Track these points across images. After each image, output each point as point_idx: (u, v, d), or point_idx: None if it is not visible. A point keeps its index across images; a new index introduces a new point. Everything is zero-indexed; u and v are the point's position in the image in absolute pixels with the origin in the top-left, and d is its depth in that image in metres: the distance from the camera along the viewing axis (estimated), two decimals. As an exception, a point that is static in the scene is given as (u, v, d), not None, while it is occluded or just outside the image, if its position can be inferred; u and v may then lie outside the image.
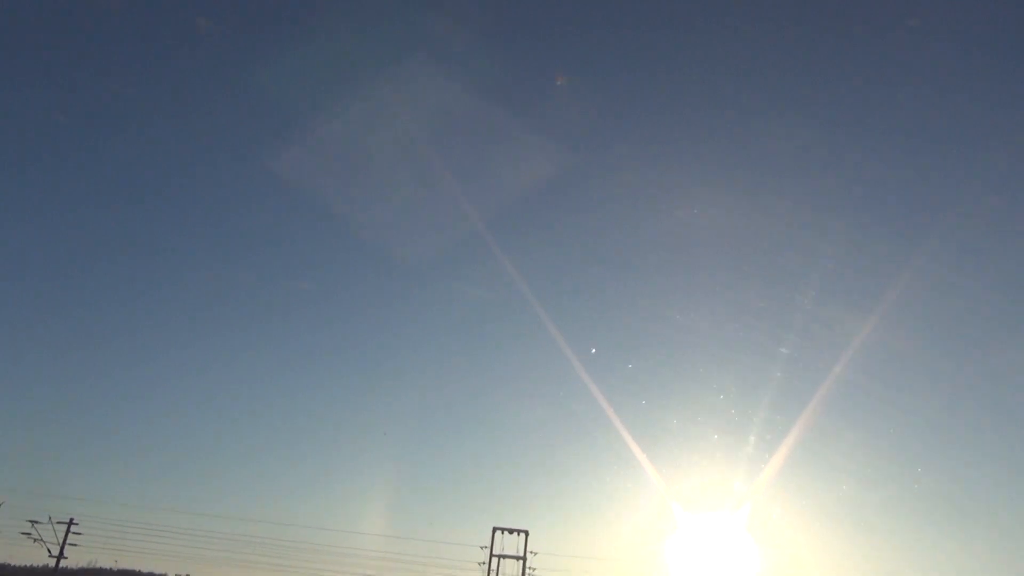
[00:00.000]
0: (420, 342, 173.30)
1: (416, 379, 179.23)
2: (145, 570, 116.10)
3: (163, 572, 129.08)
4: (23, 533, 51.73)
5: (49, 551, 52.83)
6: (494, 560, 42.23)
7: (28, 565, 78.51)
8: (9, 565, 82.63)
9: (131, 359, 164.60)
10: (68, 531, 53.37)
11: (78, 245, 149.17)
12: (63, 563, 55.11)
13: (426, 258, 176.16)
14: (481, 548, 43.29)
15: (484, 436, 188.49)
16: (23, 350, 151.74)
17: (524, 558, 42.02)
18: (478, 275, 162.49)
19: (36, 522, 52.04)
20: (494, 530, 43.01)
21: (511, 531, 42.29)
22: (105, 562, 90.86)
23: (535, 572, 48.99)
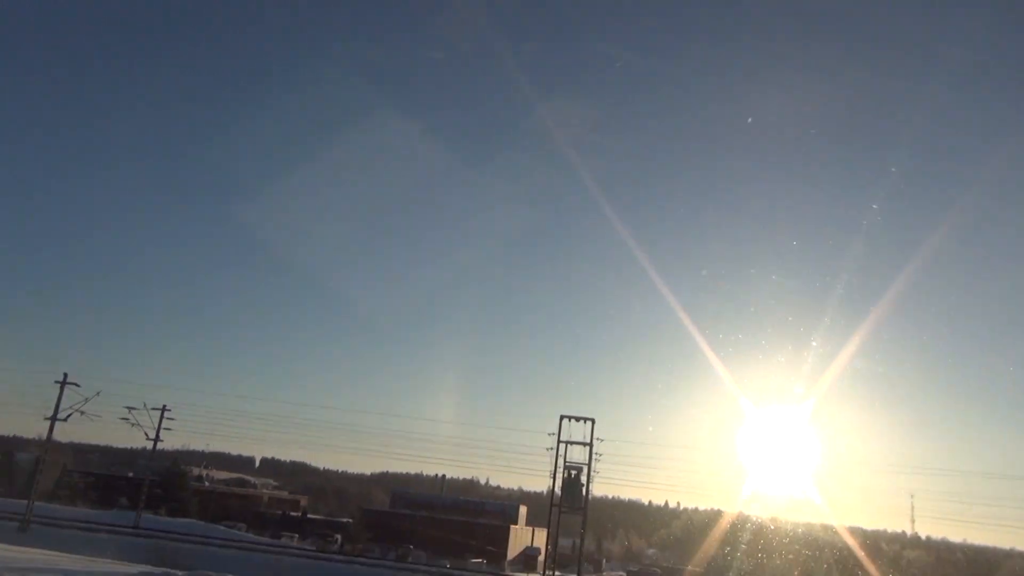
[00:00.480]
0: (489, 234, 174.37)
1: (485, 271, 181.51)
2: (234, 452, 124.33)
3: (250, 455, 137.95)
4: (121, 419, 55.29)
5: (146, 434, 56.54)
6: (561, 446, 43.35)
7: (128, 447, 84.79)
8: (113, 447, 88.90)
9: (213, 262, 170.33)
10: (162, 416, 56.69)
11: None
12: (159, 446, 59.09)
13: (497, 152, 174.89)
14: (549, 435, 44.52)
15: (552, 328, 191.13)
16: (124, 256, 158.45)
17: (591, 444, 42.93)
18: (543, 166, 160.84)
19: (133, 408, 55.47)
20: (561, 418, 43.77)
21: (578, 419, 43.14)
22: (197, 445, 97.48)
23: (601, 457, 50.36)
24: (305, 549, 55.69)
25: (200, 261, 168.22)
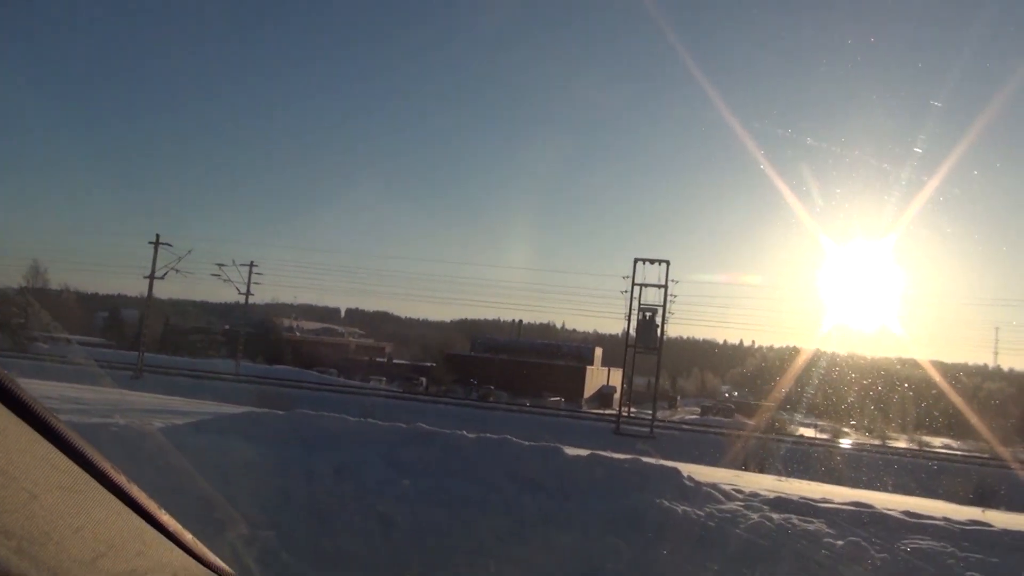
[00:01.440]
0: (558, 78, 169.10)
1: (556, 115, 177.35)
2: (320, 304, 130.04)
3: (336, 306, 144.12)
4: (212, 275, 58.09)
5: (237, 289, 59.51)
6: (636, 289, 43.63)
7: (223, 302, 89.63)
8: (208, 302, 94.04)
9: (291, 122, 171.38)
10: (251, 272, 59.43)
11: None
12: (250, 300, 62.34)
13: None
14: (623, 278, 44.80)
15: (625, 170, 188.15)
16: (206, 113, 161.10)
17: (665, 286, 42.92)
18: (615, 10, 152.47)
19: (222, 264, 58.07)
20: (635, 260, 43.75)
21: (652, 261, 42.98)
22: (286, 298, 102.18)
23: (676, 298, 50.67)
24: (392, 390, 59.13)
25: (278, 122, 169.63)
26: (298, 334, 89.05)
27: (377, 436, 10.87)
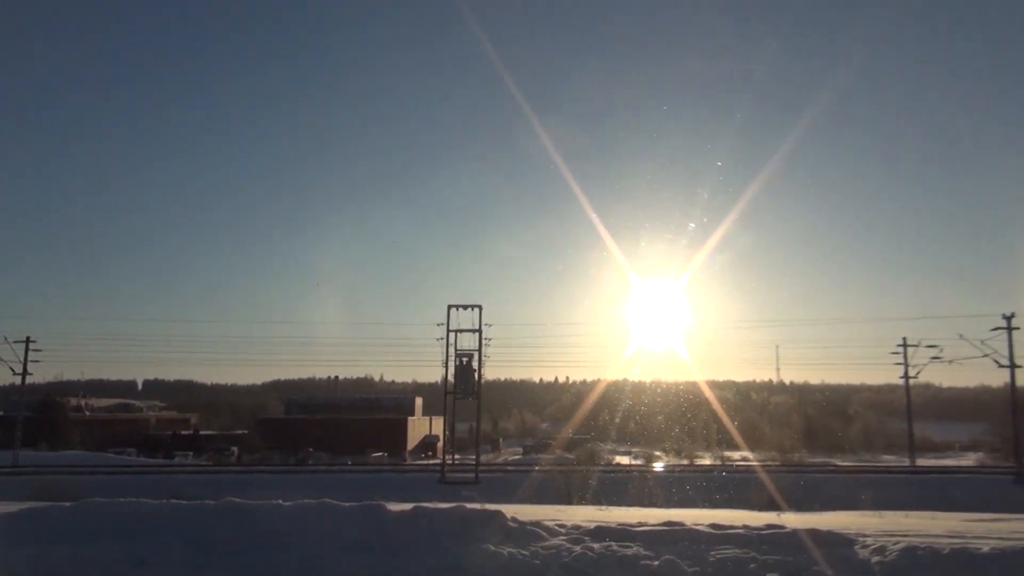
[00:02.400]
0: (368, 118, 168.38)
1: (360, 164, 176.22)
2: (113, 378, 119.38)
3: (131, 378, 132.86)
4: (-21, 356, 51.73)
5: (12, 369, 53.39)
6: (451, 335, 44.01)
7: (-3, 386, 79.84)
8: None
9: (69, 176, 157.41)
10: (27, 349, 53.57)
11: None
12: (29, 380, 55.99)
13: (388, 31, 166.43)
14: (438, 325, 45.15)
15: (434, 218, 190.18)
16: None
17: (480, 330, 43.80)
18: (433, 39, 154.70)
19: (-9, 344, 51.90)
20: (449, 307, 44.31)
21: (465, 307, 43.69)
22: (72, 375, 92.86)
23: (491, 341, 51.66)
24: (202, 465, 55.19)
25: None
26: (88, 413, 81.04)
27: (182, 518, 10.09)
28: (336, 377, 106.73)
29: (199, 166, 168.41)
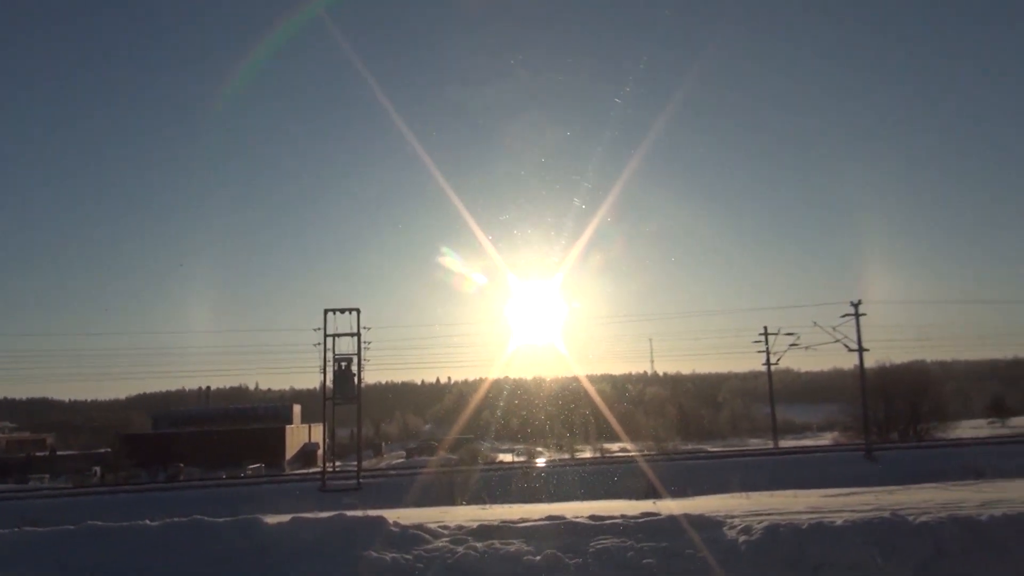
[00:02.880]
0: (241, 119, 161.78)
1: (233, 167, 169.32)
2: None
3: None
4: None
5: None
6: (329, 340, 43.01)
7: None
8: None
9: None
10: None
11: None
12: None
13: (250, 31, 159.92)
14: (315, 330, 43.95)
15: (310, 221, 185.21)
16: None
17: (359, 334, 42.97)
18: (302, 47, 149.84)
19: None
20: (326, 311, 43.33)
21: (343, 311, 42.80)
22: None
23: (370, 344, 50.97)
24: (60, 488, 51.49)
25: None
26: (-76, 441, 74.09)
27: (39, 546, 9.40)
28: (207, 388, 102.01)
29: (52, 169, 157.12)
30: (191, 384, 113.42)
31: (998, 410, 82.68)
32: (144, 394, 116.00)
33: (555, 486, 33.23)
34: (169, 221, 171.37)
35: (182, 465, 62.32)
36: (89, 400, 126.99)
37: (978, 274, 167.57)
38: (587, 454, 59.41)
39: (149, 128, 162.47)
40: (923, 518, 9.38)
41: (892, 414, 61.93)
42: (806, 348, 55.27)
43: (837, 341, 48.79)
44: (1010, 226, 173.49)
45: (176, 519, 9.98)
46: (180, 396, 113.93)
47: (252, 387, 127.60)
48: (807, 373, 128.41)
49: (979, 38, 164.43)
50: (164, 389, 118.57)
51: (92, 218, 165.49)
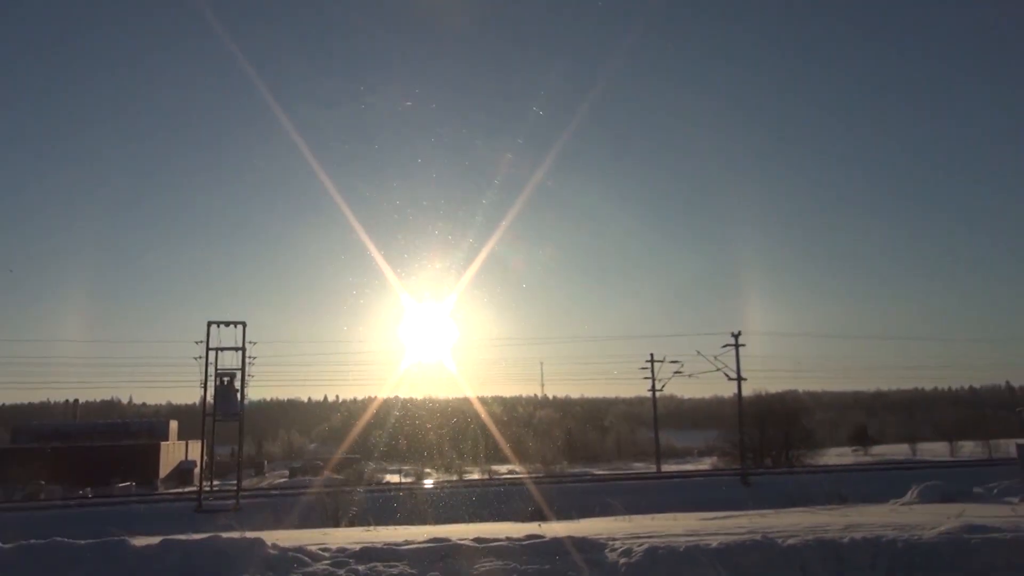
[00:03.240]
0: (112, 117, 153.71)
1: (112, 171, 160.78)
2: None
3: None
4: None
5: None
6: (211, 354, 41.30)
7: None
8: None
9: None
10: None
11: None
12: None
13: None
14: (197, 343, 42.12)
15: (197, 229, 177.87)
16: None
17: (243, 348, 41.45)
18: (187, 44, 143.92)
19: None
20: (209, 324, 41.57)
21: (227, 324, 41.17)
22: None
23: (255, 360, 49.32)
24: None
25: None
26: None
27: None
28: (76, 400, 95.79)
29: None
30: (57, 396, 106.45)
31: (861, 439, 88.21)
32: (3, 405, 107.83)
33: (442, 508, 32.96)
34: (36, 221, 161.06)
35: (43, 482, 58.18)
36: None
37: (846, 310, 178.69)
38: (476, 475, 59.33)
39: (18, 122, 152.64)
40: (791, 540, 9.86)
41: (766, 441, 64.93)
42: (689, 376, 57.38)
43: (718, 370, 50.89)
44: (878, 265, 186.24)
45: (32, 541, 9.30)
46: (44, 408, 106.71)
47: (125, 401, 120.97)
48: (690, 400, 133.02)
49: (876, 55, 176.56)
50: (26, 401, 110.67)
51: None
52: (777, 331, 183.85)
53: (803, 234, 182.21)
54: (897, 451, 79.96)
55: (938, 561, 9.41)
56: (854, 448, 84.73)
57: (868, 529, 10.96)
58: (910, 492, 20.21)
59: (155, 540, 9.84)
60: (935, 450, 78.59)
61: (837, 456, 70.59)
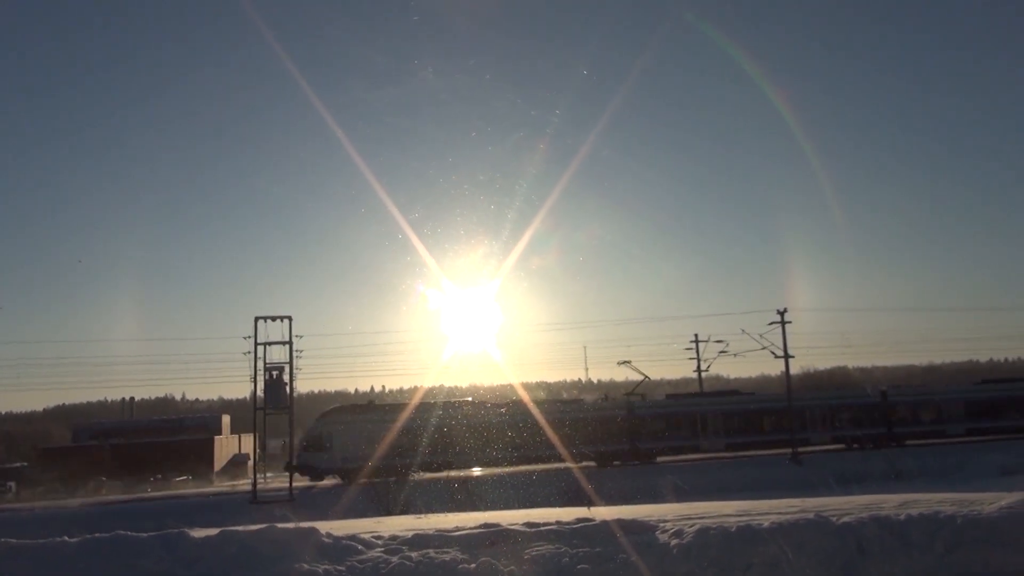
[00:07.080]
0: (162, 122, 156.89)
1: (158, 171, 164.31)
2: None
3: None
4: None
5: None
6: (259, 348, 42.03)
7: None
8: None
9: None
10: None
11: None
12: None
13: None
14: (245, 338, 42.95)
15: (243, 226, 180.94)
16: None
17: (291, 342, 42.16)
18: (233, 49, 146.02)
19: None
20: (256, 319, 42.34)
21: (274, 318, 41.84)
22: None
23: (302, 353, 49.95)
24: (-29, 505, 48.93)
25: None
26: None
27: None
28: (132, 398, 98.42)
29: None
30: (114, 395, 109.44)
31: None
32: (63, 405, 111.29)
33: (492, 495, 33.20)
34: (90, 224, 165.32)
35: (104, 479, 60.02)
36: (3, 412, 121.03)
37: (897, 283, 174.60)
38: (523, 464, 59.37)
39: (69, 128, 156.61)
40: (845, 519, 9.71)
41: (817, 418, 63.82)
42: (735, 355, 56.75)
43: (764, 348, 50.19)
44: (929, 236, 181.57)
45: (97, 535, 9.61)
46: (102, 407, 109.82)
47: (179, 397, 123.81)
48: (736, 379, 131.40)
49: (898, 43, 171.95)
50: (85, 400, 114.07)
51: (5, 220, 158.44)
52: (824, 307, 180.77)
53: (848, 206, 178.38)
54: (952, 425, 78.00)
55: (999, 536, 9.20)
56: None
57: (925, 505, 10.75)
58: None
59: (213, 532, 10.10)
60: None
61: (890, 432, 69.19)
